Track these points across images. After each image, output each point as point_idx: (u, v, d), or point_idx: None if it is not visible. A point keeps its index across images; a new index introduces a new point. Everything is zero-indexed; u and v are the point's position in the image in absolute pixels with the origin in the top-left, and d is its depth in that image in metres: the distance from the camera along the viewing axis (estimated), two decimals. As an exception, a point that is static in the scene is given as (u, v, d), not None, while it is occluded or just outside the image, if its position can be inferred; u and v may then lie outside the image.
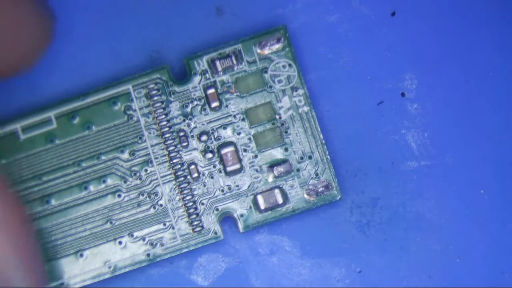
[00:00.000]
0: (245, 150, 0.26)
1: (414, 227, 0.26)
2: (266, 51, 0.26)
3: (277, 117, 0.26)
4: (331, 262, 0.26)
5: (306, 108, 0.26)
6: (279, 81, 0.26)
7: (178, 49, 0.27)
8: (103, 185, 0.26)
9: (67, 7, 0.26)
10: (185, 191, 0.25)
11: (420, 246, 0.26)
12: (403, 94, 0.26)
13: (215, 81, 0.26)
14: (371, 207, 0.26)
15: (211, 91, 0.26)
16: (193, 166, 0.26)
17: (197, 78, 0.26)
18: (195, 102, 0.26)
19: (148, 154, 0.26)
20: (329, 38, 0.27)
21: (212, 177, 0.26)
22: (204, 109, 0.26)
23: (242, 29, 0.27)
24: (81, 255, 0.25)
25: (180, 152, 0.26)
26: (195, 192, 0.26)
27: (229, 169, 0.26)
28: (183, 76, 0.26)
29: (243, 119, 0.26)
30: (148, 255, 0.25)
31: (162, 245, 0.25)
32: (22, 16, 0.23)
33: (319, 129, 0.26)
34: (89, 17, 0.27)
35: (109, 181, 0.26)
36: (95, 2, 0.27)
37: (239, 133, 0.26)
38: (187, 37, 0.27)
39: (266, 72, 0.26)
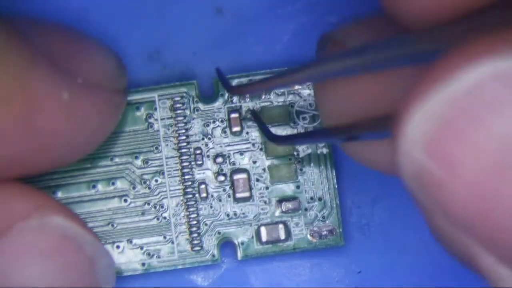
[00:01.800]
0: (257, 180, 0.26)
1: (414, 227, 0.26)
2: (296, 86, 0.26)
3: (295, 153, 0.26)
4: (331, 262, 0.26)
5: (325, 150, 0.26)
6: (304, 118, 0.26)
7: (177, 49, 0.27)
8: (111, 187, 0.26)
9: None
10: (191, 209, 0.26)
11: (420, 246, 0.26)
12: None
13: (240, 106, 0.26)
14: (371, 207, 0.26)
15: (235, 115, 0.26)
16: (203, 186, 0.26)
17: (223, 100, 0.26)
18: (217, 123, 0.26)
19: (162, 165, 0.26)
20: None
21: (220, 200, 0.26)
22: (225, 132, 0.26)
23: (242, 29, 0.27)
24: (78, 253, 0.25)
25: (193, 170, 0.26)
26: (201, 212, 0.26)
27: (238, 195, 0.26)
28: (206, 92, 0.26)
29: (261, 149, 0.26)
30: (143, 264, 0.25)
31: (158, 257, 0.25)
32: (98, 105, 0.23)
33: (334, 174, 0.26)
34: (88, 17, 0.26)
35: (118, 184, 0.26)
36: (93, 2, 0.26)
37: (254, 162, 0.26)
38: (186, 37, 0.27)
39: (292, 106, 0.26)
